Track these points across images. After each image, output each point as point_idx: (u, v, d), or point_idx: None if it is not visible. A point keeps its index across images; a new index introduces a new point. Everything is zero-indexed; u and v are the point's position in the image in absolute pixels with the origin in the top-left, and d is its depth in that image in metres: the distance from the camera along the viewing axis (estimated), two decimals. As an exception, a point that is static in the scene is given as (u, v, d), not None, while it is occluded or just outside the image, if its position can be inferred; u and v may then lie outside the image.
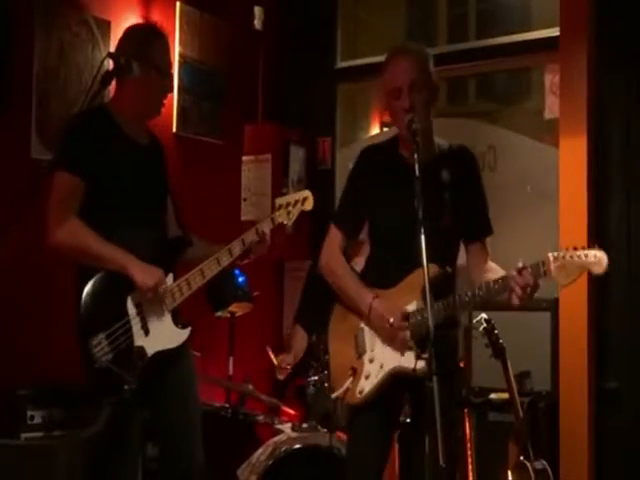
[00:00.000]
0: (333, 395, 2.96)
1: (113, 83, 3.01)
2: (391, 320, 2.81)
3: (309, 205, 3.24)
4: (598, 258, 2.58)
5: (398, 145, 3.01)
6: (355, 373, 2.91)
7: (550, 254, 2.62)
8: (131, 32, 3.18)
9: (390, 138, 3.06)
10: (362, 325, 2.96)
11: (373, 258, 3.07)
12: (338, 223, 3.10)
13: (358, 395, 2.90)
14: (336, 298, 3.08)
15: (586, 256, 2.59)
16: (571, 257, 2.59)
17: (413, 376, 2.70)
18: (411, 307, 2.84)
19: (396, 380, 2.85)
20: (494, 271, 2.92)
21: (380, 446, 2.98)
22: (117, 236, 2.94)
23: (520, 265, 2.68)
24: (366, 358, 2.92)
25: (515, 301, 2.68)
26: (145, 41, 3.08)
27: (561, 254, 2.60)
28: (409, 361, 2.74)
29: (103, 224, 2.94)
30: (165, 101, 3.20)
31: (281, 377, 4.19)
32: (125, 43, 3.11)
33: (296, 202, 3.23)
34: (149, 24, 3.28)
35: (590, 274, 2.64)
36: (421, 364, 2.66)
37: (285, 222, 3.23)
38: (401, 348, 2.83)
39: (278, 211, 3.22)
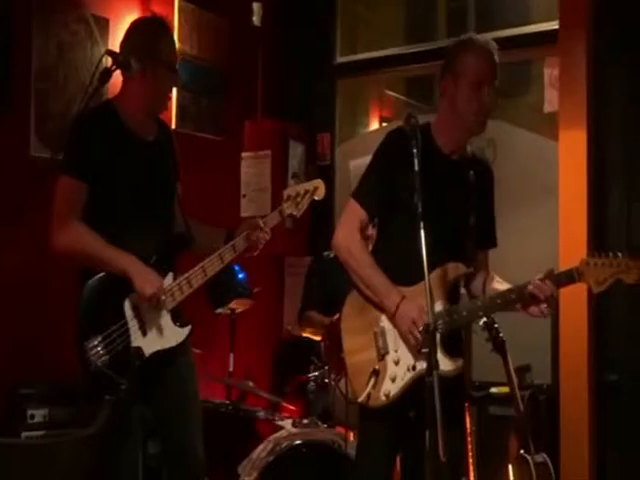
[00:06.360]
0: (359, 400, 2.75)
1: (115, 79, 2.98)
2: (417, 334, 2.67)
3: (320, 194, 3.17)
4: (630, 267, 2.58)
5: (431, 133, 2.88)
6: (377, 375, 2.75)
7: (583, 259, 2.62)
8: (137, 27, 3.08)
9: (423, 124, 2.85)
10: (383, 322, 2.80)
11: (392, 250, 2.87)
12: (363, 199, 2.84)
13: (383, 398, 2.76)
14: (352, 284, 2.87)
15: (618, 264, 2.59)
16: (603, 264, 2.60)
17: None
18: (436, 307, 2.71)
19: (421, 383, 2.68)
20: (497, 281, 2.91)
21: (391, 456, 2.91)
22: (122, 234, 2.90)
23: (542, 275, 2.65)
24: (390, 359, 2.77)
25: (536, 313, 2.68)
26: (152, 37, 2.99)
27: (593, 260, 2.61)
28: (441, 363, 2.61)
29: (109, 223, 2.91)
30: (171, 95, 3.13)
31: None
32: (131, 39, 3.02)
33: (306, 192, 3.16)
34: (155, 18, 3.15)
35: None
36: (457, 364, 2.69)
37: (294, 213, 3.17)
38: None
39: (286, 202, 3.16)
